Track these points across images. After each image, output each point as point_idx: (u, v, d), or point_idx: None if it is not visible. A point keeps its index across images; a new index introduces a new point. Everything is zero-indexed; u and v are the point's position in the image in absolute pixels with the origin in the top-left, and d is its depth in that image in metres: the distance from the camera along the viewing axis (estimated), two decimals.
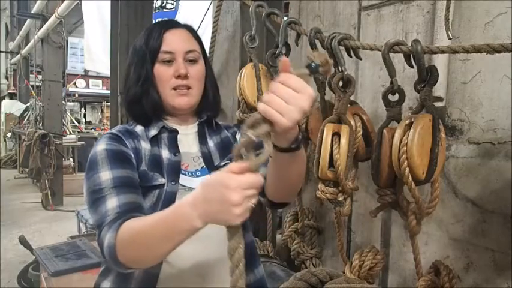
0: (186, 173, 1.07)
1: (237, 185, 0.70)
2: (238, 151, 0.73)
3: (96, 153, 1.00)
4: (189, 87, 1.07)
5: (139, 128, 1.10)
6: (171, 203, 0.94)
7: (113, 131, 1.07)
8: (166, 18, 1.20)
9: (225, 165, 0.94)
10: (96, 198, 0.95)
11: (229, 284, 0.73)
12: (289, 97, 0.71)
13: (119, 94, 3.53)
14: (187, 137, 1.12)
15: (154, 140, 1.08)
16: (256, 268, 1.13)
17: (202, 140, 1.14)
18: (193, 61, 1.08)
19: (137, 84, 1.07)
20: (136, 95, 1.07)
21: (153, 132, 1.08)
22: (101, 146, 1.01)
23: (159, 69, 1.06)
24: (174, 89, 1.06)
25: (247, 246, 1.10)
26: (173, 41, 1.07)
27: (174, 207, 0.82)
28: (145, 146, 1.06)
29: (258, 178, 0.72)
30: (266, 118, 0.71)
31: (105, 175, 0.96)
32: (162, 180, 1.01)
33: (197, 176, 1.08)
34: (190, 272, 1.01)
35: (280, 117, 0.70)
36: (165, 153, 1.06)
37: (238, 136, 1.18)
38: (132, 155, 1.02)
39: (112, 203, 0.93)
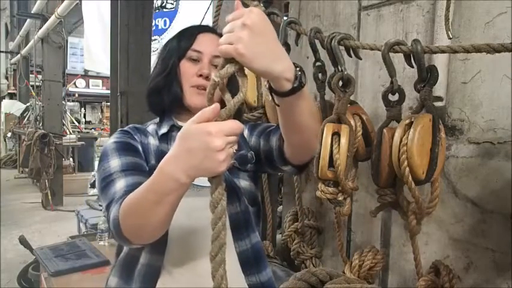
0: None
1: (218, 129, 0.70)
2: (208, 98, 0.72)
3: (106, 147, 1.06)
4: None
5: (151, 128, 1.14)
6: None
7: (123, 128, 1.13)
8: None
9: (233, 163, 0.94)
10: (106, 183, 0.98)
11: (211, 237, 0.72)
12: (233, 27, 0.71)
13: (118, 94, 3.53)
14: None
15: (164, 138, 1.11)
16: (265, 270, 1.13)
17: None
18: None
19: (161, 75, 1.11)
20: (158, 86, 1.12)
21: (163, 130, 1.11)
22: (110, 141, 1.07)
23: (185, 65, 1.10)
24: (193, 87, 1.09)
25: (254, 246, 1.11)
26: (204, 43, 1.11)
27: (158, 168, 0.81)
28: (153, 142, 1.10)
29: (237, 123, 0.72)
30: (226, 57, 0.72)
31: (114, 162, 1.00)
32: None
33: None
34: (191, 268, 1.02)
35: (230, 47, 0.70)
36: None
37: (245, 132, 1.19)
38: (140, 148, 1.07)
39: (120, 184, 0.96)
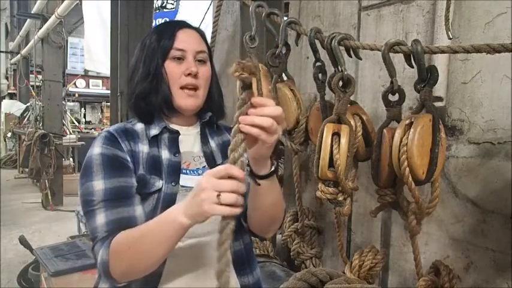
0: (188, 171, 1.07)
1: (209, 174, 0.79)
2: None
3: (91, 157, 1.00)
4: (196, 88, 1.07)
5: (139, 127, 1.09)
6: (171, 204, 0.94)
7: (110, 130, 1.06)
8: (172, 19, 1.23)
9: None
10: (87, 210, 0.98)
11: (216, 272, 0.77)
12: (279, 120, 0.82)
13: (119, 94, 3.53)
14: (189, 137, 1.12)
15: (154, 140, 1.07)
16: (255, 270, 1.13)
17: (204, 140, 1.14)
18: (202, 61, 1.09)
19: (146, 79, 1.06)
20: (145, 91, 1.07)
21: (154, 131, 1.07)
22: (96, 150, 1.01)
23: (169, 66, 1.06)
24: (182, 88, 1.06)
25: (246, 246, 1.12)
26: (185, 40, 1.08)
27: (165, 211, 0.89)
28: (142, 148, 1.05)
29: (226, 169, 0.77)
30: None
31: (98, 185, 0.97)
32: (159, 185, 1.01)
33: (199, 175, 1.07)
34: (193, 269, 1.02)
35: (272, 138, 0.82)
36: (165, 154, 1.06)
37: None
38: (128, 159, 1.02)
39: (101, 218, 0.95)
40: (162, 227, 0.87)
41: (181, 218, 0.83)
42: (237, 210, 0.76)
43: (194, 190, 0.81)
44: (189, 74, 1.05)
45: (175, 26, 1.10)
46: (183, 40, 1.07)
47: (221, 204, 0.76)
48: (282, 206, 1.09)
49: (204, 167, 1.10)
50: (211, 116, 1.15)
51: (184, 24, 1.12)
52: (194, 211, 0.81)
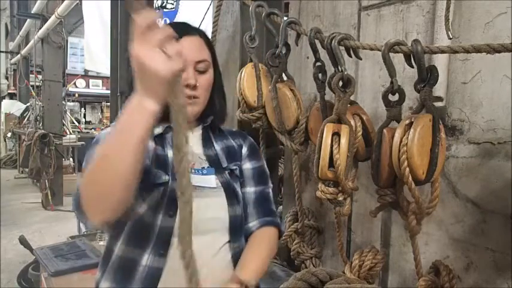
0: (192, 170, 1.08)
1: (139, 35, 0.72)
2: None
3: (99, 134, 1.05)
4: (196, 97, 1.07)
5: None
6: (175, 200, 0.95)
7: None
8: (179, 21, 1.21)
9: (232, 168, 1.04)
10: (86, 158, 0.98)
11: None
12: None
13: (118, 94, 3.54)
14: (192, 139, 1.13)
15: (159, 139, 1.09)
16: None
17: (206, 143, 1.16)
18: (202, 71, 1.09)
19: None
20: None
21: (158, 130, 1.09)
22: (106, 130, 1.06)
23: None
24: None
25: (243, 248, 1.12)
26: (185, 49, 1.06)
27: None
28: (149, 143, 1.07)
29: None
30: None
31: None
32: (165, 178, 1.02)
33: (203, 174, 1.10)
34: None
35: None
36: (170, 153, 1.07)
37: (244, 150, 1.20)
38: None
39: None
40: (127, 125, 0.78)
41: (143, 100, 0.75)
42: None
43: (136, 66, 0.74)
44: (187, 86, 1.05)
45: (178, 33, 1.09)
46: (183, 49, 1.06)
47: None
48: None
49: (209, 167, 1.12)
50: (213, 120, 1.16)
51: (185, 32, 1.09)
52: (147, 77, 0.74)
